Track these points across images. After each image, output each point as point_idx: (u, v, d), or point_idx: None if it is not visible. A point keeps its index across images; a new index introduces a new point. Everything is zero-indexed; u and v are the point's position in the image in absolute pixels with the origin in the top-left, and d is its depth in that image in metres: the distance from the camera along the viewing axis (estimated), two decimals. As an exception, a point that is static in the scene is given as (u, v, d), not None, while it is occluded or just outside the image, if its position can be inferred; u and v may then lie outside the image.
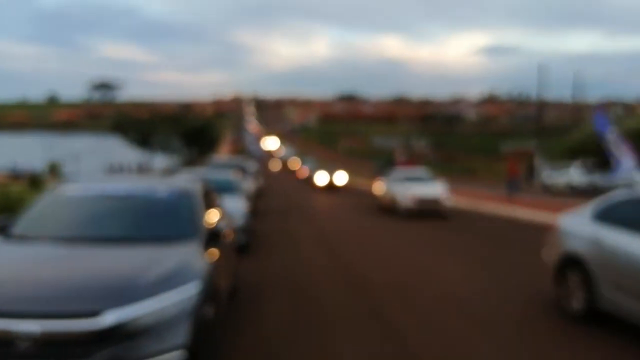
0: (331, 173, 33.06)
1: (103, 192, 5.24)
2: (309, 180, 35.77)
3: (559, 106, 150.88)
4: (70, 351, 3.22)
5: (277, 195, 26.79)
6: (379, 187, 19.34)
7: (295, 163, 58.96)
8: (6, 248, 4.30)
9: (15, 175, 43.29)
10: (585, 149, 32.29)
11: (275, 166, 50.68)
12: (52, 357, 3.19)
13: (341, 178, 32.82)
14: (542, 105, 40.11)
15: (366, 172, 44.32)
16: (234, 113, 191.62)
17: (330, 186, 31.73)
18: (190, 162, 54.89)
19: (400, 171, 19.49)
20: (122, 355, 3.27)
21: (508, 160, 26.90)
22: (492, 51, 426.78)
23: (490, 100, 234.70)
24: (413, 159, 59.71)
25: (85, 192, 5.27)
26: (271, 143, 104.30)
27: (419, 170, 19.51)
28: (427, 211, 16.18)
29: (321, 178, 32.25)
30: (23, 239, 4.46)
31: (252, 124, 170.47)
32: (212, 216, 5.48)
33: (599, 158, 31.63)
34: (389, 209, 17.47)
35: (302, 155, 70.60)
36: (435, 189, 16.80)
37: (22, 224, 4.69)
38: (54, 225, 4.79)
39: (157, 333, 3.40)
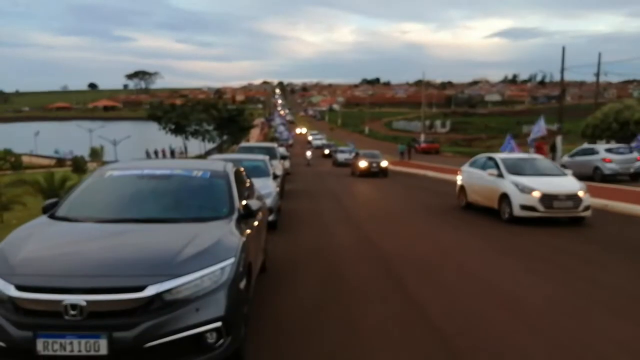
0: (374, 157, 29.10)
1: (142, 174, 5.32)
2: (351, 165, 31.22)
3: (580, 86, 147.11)
4: (115, 323, 3.30)
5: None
6: (472, 177, 13.30)
7: (327, 148, 55.74)
8: (53, 228, 4.41)
9: (60, 161, 44.40)
10: (605, 128, 31.51)
11: (306, 150, 45.81)
12: (99, 329, 3.28)
13: (385, 161, 28.77)
14: (564, 87, 39.02)
15: (390, 155, 40.95)
16: (263, 99, 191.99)
17: (380, 170, 27.72)
18: (223, 147, 55.41)
19: (509, 158, 12.74)
20: (164, 327, 3.35)
21: (536, 143, 26.32)
22: (513, 34, 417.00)
23: (512, 82, 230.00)
24: (435, 143, 59.15)
25: (125, 174, 5.37)
26: (300, 128, 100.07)
27: (536, 159, 13.15)
28: (560, 216, 10.91)
29: (365, 161, 27.78)
30: (69, 219, 4.56)
31: (280, 109, 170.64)
32: (245, 196, 5.54)
33: (617, 139, 30.89)
34: (488, 209, 12.13)
35: (333, 139, 70.01)
36: (570, 183, 11.29)
37: (67, 205, 4.79)
38: (97, 206, 4.90)
39: (196, 306, 3.47)
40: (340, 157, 39.89)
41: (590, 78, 39.82)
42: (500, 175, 11.75)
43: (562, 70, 35.31)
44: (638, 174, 20.03)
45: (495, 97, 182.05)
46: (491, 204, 12.00)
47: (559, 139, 34.86)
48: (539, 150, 23.82)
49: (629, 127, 29.23)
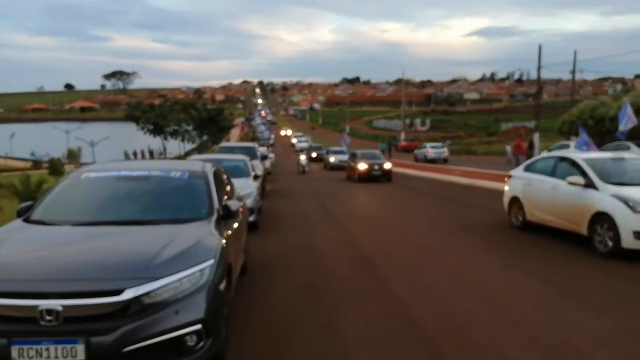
0: (374, 157, 24.53)
1: (119, 175, 5.25)
2: (346, 168, 26.65)
3: (557, 84, 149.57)
4: (93, 328, 3.24)
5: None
6: (534, 187, 9.68)
7: (315, 151, 46.34)
8: (28, 232, 4.33)
9: (36, 163, 43.62)
10: (581, 125, 32.05)
11: (299, 155, 35.38)
12: (76, 334, 3.22)
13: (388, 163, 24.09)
14: (541, 85, 39.60)
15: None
16: (243, 99, 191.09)
17: (383, 173, 22.99)
18: (202, 147, 55.03)
19: (597, 159, 8.99)
20: (143, 330, 3.30)
21: (516, 141, 26.75)
22: (491, 33, 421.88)
23: (490, 81, 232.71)
24: (415, 141, 59.52)
25: (102, 176, 5.29)
26: (285, 130, 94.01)
27: (629, 159, 9.30)
28: None
29: (365, 164, 22.96)
30: (44, 222, 4.48)
31: (260, 109, 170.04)
32: (224, 197, 5.51)
33: (592, 135, 31.50)
34: (565, 232, 8.72)
35: (316, 139, 68.88)
36: None
37: (42, 208, 4.71)
38: (73, 208, 4.83)
39: (176, 308, 3.43)
40: (334, 159, 34.59)
41: (566, 76, 40.54)
42: (590, 185, 8.12)
43: (539, 68, 35.83)
44: None
45: (474, 96, 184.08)
46: (574, 227, 8.38)
47: (536, 136, 35.40)
48: (517, 147, 24.14)
49: (605, 123, 29.79)
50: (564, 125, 34.30)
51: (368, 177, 22.64)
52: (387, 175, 23.08)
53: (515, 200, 10.18)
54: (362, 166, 22.78)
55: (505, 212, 10.57)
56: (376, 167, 22.95)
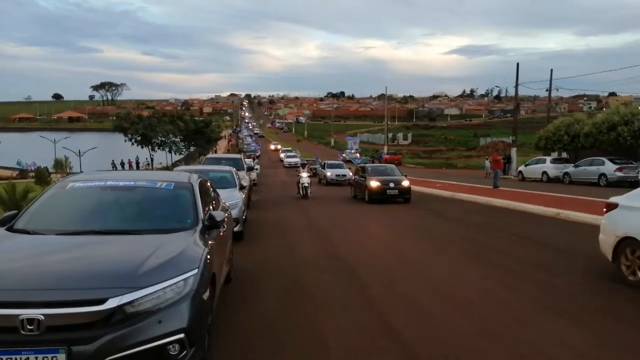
0: (388, 173, 19.89)
1: (105, 185, 5.18)
2: (352, 184, 21.93)
3: (534, 101, 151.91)
4: (74, 337, 3.17)
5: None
6: None
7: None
8: (11, 241, 4.24)
9: (22, 172, 42.94)
10: (556, 140, 32.61)
11: (299, 172, 26.30)
12: (58, 343, 3.14)
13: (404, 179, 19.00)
14: (518, 101, 40.21)
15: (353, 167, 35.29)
16: (231, 111, 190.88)
17: (400, 192, 18.36)
18: (189, 158, 54.73)
19: None
20: (125, 340, 3.23)
21: (494, 155, 27.05)
22: (470, 51, 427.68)
23: (470, 97, 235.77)
24: (397, 154, 59.88)
25: (88, 186, 5.21)
26: (275, 144, 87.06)
27: None
28: None
29: (377, 181, 18.47)
30: (28, 231, 4.39)
31: (247, 122, 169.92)
32: (209, 207, 5.46)
33: (568, 150, 32.05)
34: None
35: (302, 150, 67.35)
36: None
37: (26, 217, 4.62)
38: (58, 218, 4.74)
39: (159, 318, 3.37)
40: (331, 173, 29.80)
41: (543, 93, 41.21)
42: None
43: (517, 85, 36.44)
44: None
45: (454, 111, 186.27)
46: None
47: (513, 151, 35.88)
48: (495, 162, 24.41)
49: (579, 139, 30.31)
50: (541, 140, 34.85)
51: (382, 198, 18.24)
52: (405, 195, 18.55)
53: (630, 243, 6.47)
54: (375, 184, 18.36)
55: (607, 258, 6.88)
56: (392, 184, 18.44)
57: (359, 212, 16.00)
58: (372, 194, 18.38)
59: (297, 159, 50.00)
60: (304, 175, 20.92)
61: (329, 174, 29.92)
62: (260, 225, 12.72)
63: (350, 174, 27.87)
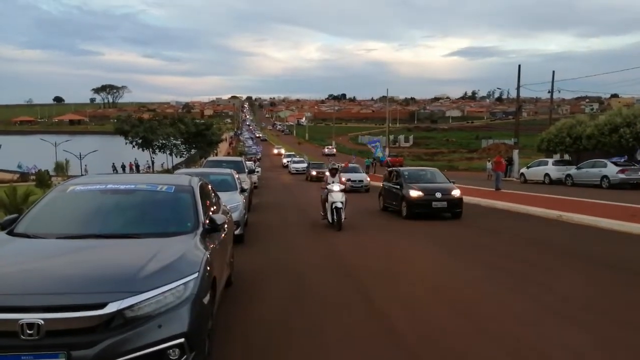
0: (431, 180, 15.97)
1: (105, 189, 5.17)
2: (382, 195, 17.12)
3: (536, 102, 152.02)
4: (74, 342, 3.16)
5: None
6: None
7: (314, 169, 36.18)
8: (11, 245, 4.23)
9: (23, 175, 42.98)
10: (558, 142, 32.57)
11: (328, 184, 20.78)
12: (57, 348, 3.13)
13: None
14: (520, 103, 40.20)
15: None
16: (232, 114, 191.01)
17: (449, 204, 14.49)
18: (190, 161, 54.77)
19: None
20: (125, 344, 3.22)
21: (497, 157, 27.02)
22: (471, 53, 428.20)
23: (471, 99, 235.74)
24: (399, 157, 59.81)
25: (88, 189, 5.20)
26: (278, 148, 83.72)
27: None
28: None
29: (418, 190, 14.58)
30: (28, 235, 4.38)
31: (248, 124, 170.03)
32: (210, 210, 5.46)
33: (570, 152, 32.00)
34: None
35: (300, 151, 66.93)
36: None
37: (26, 221, 4.62)
38: (58, 221, 4.73)
39: (159, 322, 3.36)
40: (346, 179, 22.06)
41: (544, 95, 41.04)
42: None
43: (518, 87, 36.43)
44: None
45: (456, 113, 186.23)
46: None
47: (515, 153, 35.85)
48: (498, 164, 24.36)
49: (582, 141, 30.26)
50: (543, 142, 34.80)
51: (425, 212, 14.36)
52: (455, 209, 14.49)
53: None
54: (415, 193, 14.45)
55: None
56: (438, 194, 14.41)
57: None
58: (413, 207, 14.46)
59: (304, 164, 43.76)
60: (336, 188, 12.83)
61: (343, 179, 24.51)
62: (261, 227, 12.67)
63: (368, 179, 26.26)
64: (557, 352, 4.40)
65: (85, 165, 46.17)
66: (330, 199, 12.69)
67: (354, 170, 28.08)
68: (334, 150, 76.16)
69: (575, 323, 5.18)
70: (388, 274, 7.66)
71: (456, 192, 14.68)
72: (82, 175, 24.40)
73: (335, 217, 12.47)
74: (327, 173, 13.75)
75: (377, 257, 9.07)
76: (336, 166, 14.65)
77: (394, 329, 5.04)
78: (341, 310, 5.71)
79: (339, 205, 12.46)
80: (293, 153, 62.91)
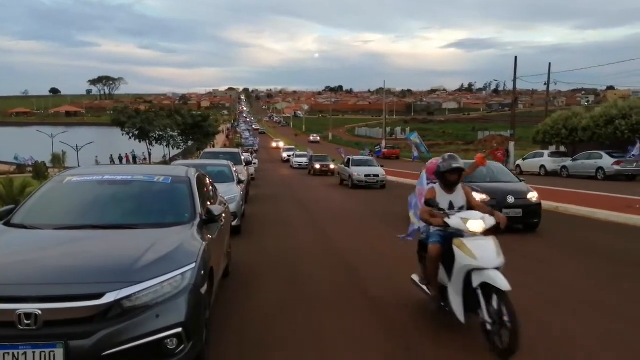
0: (500, 178, 11.45)
1: (102, 180, 5.16)
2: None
3: (532, 94, 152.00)
4: (72, 332, 3.16)
5: None
6: None
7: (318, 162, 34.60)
8: (8, 235, 4.22)
9: (20, 167, 42.84)
10: (554, 134, 32.63)
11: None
12: (55, 338, 3.13)
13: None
14: (516, 95, 40.18)
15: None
16: (229, 105, 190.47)
17: (524, 214, 10.14)
18: (187, 153, 54.67)
19: None
20: (123, 334, 3.23)
21: (495, 149, 27.06)
22: (468, 45, 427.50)
23: (468, 91, 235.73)
24: (396, 149, 59.75)
25: (85, 180, 5.19)
26: (277, 142, 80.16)
27: None
28: None
29: (483, 193, 9.99)
30: (25, 226, 4.37)
31: (245, 116, 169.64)
32: (207, 201, 5.45)
33: (566, 144, 32.08)
34: None
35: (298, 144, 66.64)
36: None
37: (23, 212, 4.60)
38: (55, 212, 4.72)
39: (156, 312, 3.36)
40: (358, 173, 22.53)
41: (541, 87, 41.15)
42: None
43: (515, 79, 36.38)
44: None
45: (452, 105, 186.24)
46: None
47: (511, 145, 35.89)
48: (494, 156, 24.43)
49: (577, 133, 30.34)
50: (539, 134, 34.87)
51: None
52: (532, 219, 10.42)
53: None
54: (479, 197, 9.39)
55: None
56: (510, 198, 10.24)
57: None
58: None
59: (307, 159, 40.44)
60: (476, 226, 4.41)
61: (355, 173, 22.48)
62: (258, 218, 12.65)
63: (384, 172, 22.93)
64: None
65: (97, 157, 46.73)
66: (460, 258, 4.36)
67: (367, 164, 24.18)
68: (318, 137, 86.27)
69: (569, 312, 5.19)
70: (387, 272, 7.47)
71: (533, 196, 10.54)
72: (78, 166, 24.29)
73: (486, 317, 4.12)
74: (435, 186, 5.36)
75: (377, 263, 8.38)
76: (460, 165, 5.31)
77: (395, 329, 4.94)
78: (339, 302, 5.74)
79: (496, 281, 4.06)
80: (293, 147, 59.14)
